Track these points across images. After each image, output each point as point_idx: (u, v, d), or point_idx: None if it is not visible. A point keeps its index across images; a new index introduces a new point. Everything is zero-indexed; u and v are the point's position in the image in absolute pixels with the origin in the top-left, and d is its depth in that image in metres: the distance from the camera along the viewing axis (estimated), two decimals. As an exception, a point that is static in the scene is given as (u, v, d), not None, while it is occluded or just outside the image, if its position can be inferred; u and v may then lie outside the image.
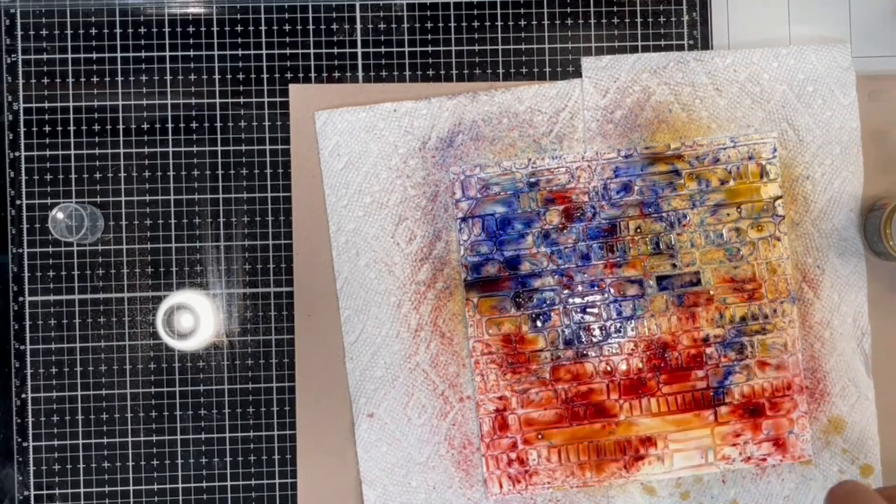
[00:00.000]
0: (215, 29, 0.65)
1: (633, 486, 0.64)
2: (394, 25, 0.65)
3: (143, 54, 0.65)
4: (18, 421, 0.64)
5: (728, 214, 0.64)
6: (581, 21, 0.66)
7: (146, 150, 0.65)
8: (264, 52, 0.65)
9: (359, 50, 0.65)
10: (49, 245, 0.64)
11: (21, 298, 0.64)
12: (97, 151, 0.64)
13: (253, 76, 0.65)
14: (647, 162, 0.64)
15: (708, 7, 0.66)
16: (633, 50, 0.66)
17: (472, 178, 0.64)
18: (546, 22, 0.66)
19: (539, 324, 0.64)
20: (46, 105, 0.64)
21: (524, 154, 0.64)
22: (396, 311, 0.64)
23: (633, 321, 0.64)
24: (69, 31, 0.64)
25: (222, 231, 0.65)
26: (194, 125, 0.65)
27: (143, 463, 0.64)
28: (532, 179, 0.64)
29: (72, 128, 0.64)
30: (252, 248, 0.65)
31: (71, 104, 0.64)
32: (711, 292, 0.64)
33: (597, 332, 0.64)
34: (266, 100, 0.65)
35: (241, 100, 0.65)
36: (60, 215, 0.63)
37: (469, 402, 0.64)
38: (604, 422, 0.64)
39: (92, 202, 0.64)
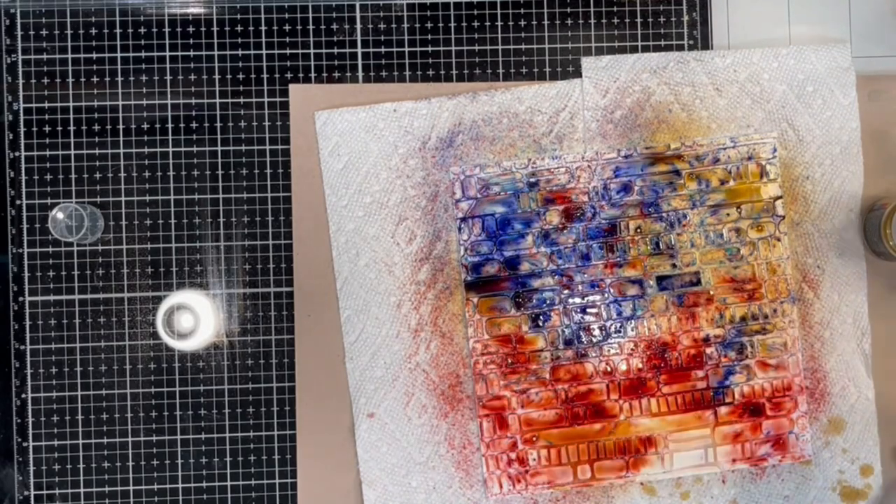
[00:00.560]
0: (215, 29, 0.65)
1: (633, 486, 0.64)
2: (394, 25, 0.66)
3: (143, 54, 0.65)
4: (18, 421, 0.64)
5: (728, 214, 0.64)
6: (581, 21, 0.66)
7: (146, 150, 0.65)
8: (264, 52, 0.65)
9: (359, 50, 0.65)
10: (49, 245, 0.64)
11: (21, 298, 0.64)
12: (97, 151, 0.64)
13: (253, 76, 0.65)
14: (647, 162, 0.64)
15: (708, 7, 0.66)
16: (633, 50, 0.66)
17: (472, 179, 0.64)
18: (546, 22, 0.66)
19: (539, 324, 0.64)
20: (46, 105, 0.64)
21: (524, 154, 0.64)
22: (396, 311, 0.64)
23: (633, 321, 0.64)
24: (69, 31, 0.64)
25: (222, 231, 0.65)
26: (194, 125, 0.65)
27: (143, 463, 0.64)
28: (532, 179, 0.64)
29: (72, 128, 0.64)
30: (252, 248, 0.65)
31: (71, 104, 0.64)
32: (711, 292, 0.64)
33: (597, 332, 0.64)
34: (266, 100, 0.65)
35: (241, 100, 0.65)
36: (60, 215, 0.63)
37: (469, 402, 0.64)
38: (604, 422, 0.64)
39: (92, 202, 0.64)
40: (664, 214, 0.64)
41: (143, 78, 0.65)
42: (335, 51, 0.65)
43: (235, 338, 0.65)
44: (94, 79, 0.65)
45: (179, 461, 0.64)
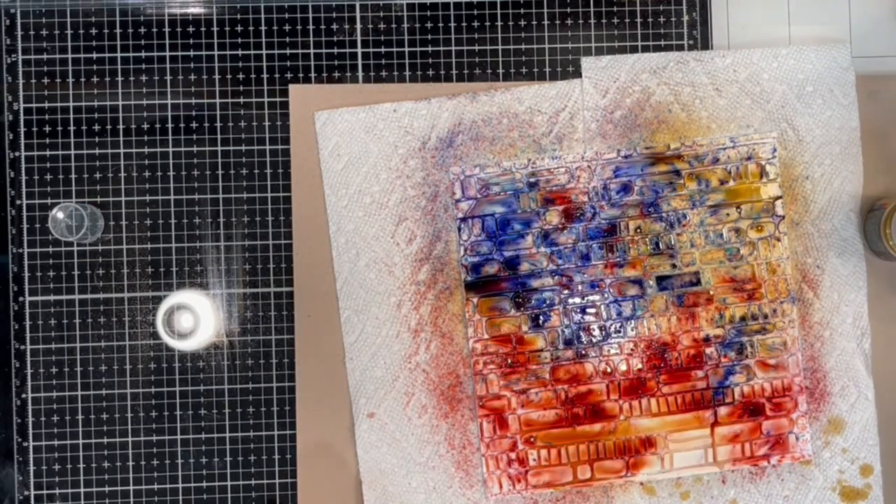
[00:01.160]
0: (215, 29, 0.65)
1: (633, 486, 0.64)
2: (394, 25, 0.66)
3: (143, 54, 0.65)
4: (18, 421, 0.64)
5: (728, 214, 0.64)
6: (581, 21, 0.66)
7: (146, 150, 0.65)
8: (264, 52, 0.65)
9: (359, 50, 0.65)
10: (49, 245, 0.64)
11: (21, 298, 0.64)
12: (97, 151, 0.64)
13: (253, 76, 0.65)
14: (646, 162, 0.64)
15: (708, 7, 0.66)
16: (633, 50, 0.66)
17: (471, 179, 0.64)
18: (546, 22, 0.66)
19: (539, 324, 0.64)
20: (46, 105, 0.64)
21: (524, 154, 0.64)
22: (396, 311, 0.64)
23: (632, 321, 0.64)
24: (69, 31, 0.64)
25: (222, 231, 0.65)
26: (194, 125, 0.65)
27: (143, 463, 0.64)
28: (532, 180, 0.64)
29: (72, 128, 0.64)
30: (252, 248, 0.65)
31: (71, 104, 0.64)
32: (711, 292, 0.64)
33: (596, 333, 0.64)
34: (266, 100, 0.65)
35: (241, 100, 0.65)
36: (60, 215, 0.63)
37: (469, 403, 0.64)
38: (604, 422, 0.64)
39: (92, 202, 0.64)
40: (664, 214, 0.64)
41: (143, 78, 0.65)
42: (335, 51, 0.65)
43: (235, 338, 0.65)
44: (94, 79, 0.65)
45: (179, 461, 0.65)
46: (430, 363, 0.64)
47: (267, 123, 0.65)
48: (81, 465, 0.64)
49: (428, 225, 0.64)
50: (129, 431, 0.64)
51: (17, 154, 0.64)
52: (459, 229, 0.64)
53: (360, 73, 0.65)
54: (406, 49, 0.66)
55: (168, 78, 0.65)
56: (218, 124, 0.65)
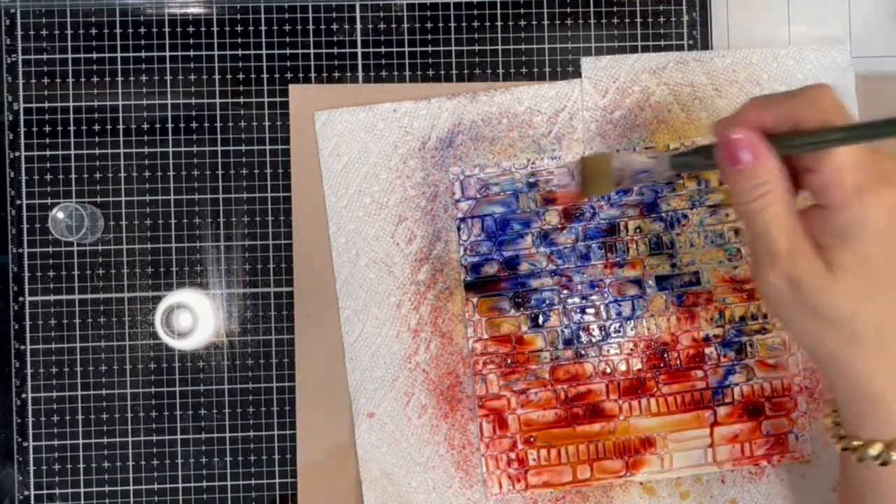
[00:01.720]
0: (215, 29, 0.65)
1: (632, 486, 0.64)
2: (394, 25, 0.66)
3: (143, 54, 0.65)
4: (18, 421, 0.64)
5: (727, 214, 0.64)
6: (581, 21, 0.66)
7: (146, 150, 0.65)
8: (264, 52, 0.65)
9: (359, 50, 0.65)
10: (49, 245, 0.64)
11: (21, 298, 0.64)
12: (97, 151, 0.64)
13: (253, 76, 0.65)
14: (646, 162, 0.64)
15: (708, 7, 0.66)
16: (633, 50, 0.66)
17: (471, 179, 0.64)
18: (546, 22, 0.66)
19: (538, 324, 0.64)
20: (46, 105, 0.64)
21: (523, 154, 0.64)
22: (396, 311, 0.64)
23: (632, 321, 0.64)
24: (69, 31, 0.64)
25: (222, 231, 0.65)
26: (194, 125, 0.65)
27: (143, 463, 0.64)
28: (531, 180, 0.64)
29: (72, 128, 0.64)
30: (252, 248, 0.65)
31: (71, 104, 0.64)
32: (711, 292, 0.64)
33: (596, 333, 0.64)
34: (266, 100, 0.65)
35: (241, 100, 0.65)
36: (60, 215, 0.63)
37: (469, 403, 0.64)
38: (603, 422, 0.64)
39: (92, 202, 0.64)
40: (663, 214, 0.64)
41: (143, 78, 0.65)
42: (335, 51, 0.65)
43: (235, 338, 0.65)
44: (94, 79, 0.65)
45: (179, 461, 0.65)
46: (429, 363, 0.64)
47: (267, 123, 0.65)
48: (81, 465, 0.64)
49: (428, 225, 0.64)
50: (129, 431, 0.64)
51: (17, 154, 0.64)
52: (459, 229, 0.64)
53: (360, 73, 0.65)
54: (406, 49, 0.66)
55: (168, 78, 0.65)
56: (218, 124, 0.65)
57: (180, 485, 0.64)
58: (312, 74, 0.65)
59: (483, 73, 0.66)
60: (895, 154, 0.49)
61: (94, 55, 0.65)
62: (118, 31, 0.65)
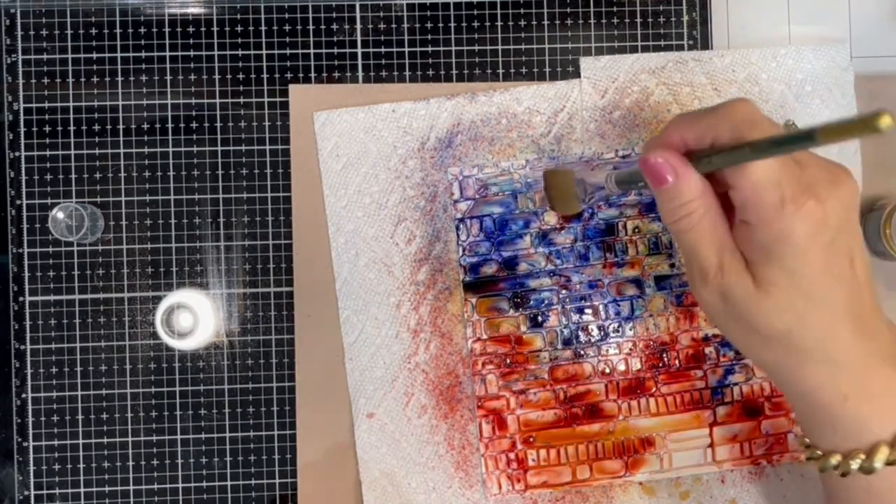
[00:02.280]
0: (215, 29, 0.65)
1: (632, 486, 0.64)
2: (394, 25, 0.66)
3: (143, 54, 0.65)
4: (18, 421, 0.64)
5: (727, 214, 0.64)
6: (581, 21, 0.66)
7: (146, 150, 0.65)
8: (264, 52, 0.65)
9: (359, 50, 0.65)
10: (49, 245, 0.64)
11: (21, 298, 0.64)
12: (97, 151, 0.64)
13: (253, 76, 0.65)
14: (645, 162, 0.64)
15: (708, 7, 0.66)
16: (633, 50, 0.66)
17: (470, 179, 0.64)
18: (546, 22, 0.66)
19: (537, 324, 0.64)
20: (46, 105, 0.64)
21: (522, 154, 0.64)
22: (396, 311, 0.64)
23: (631, 321, 0.64)
24: (69, 31, 0.65)
25: (222, 231, 0.65)
26: (194, 125, 0.65)
27: (143, 463, 0.64)
28: (530, 180, 0.64)
29: (72, 128, 0.64)
30: (252, 248, 0.65)
31: (71, 104, 0.64)
32: (710, 292, 0.64)
33: (595, 333, 0.64)
34: (266, 100, 0.65)
35: (241, 100, 0.65)
36: (60, 215, 0.63)
37: (468, 403, 0.64)
38: (602, 422, 0.64)
39: (92, 202, 0.64)
40: (663, 214, 0.64)
41: (143, 78, 0.65)
42: (335, 51, 0.65)
43: (235, 338, 0.65)
44: (94, 79, 0.65)
45: (179, 461, 0.65)
46: (429, 363, 0.64)
47: (267, 123, 0.65)
48: (81, 465, 0.64)
49: (427, 225, 0.64)
50: (129, 431, 0.65)
51: (17, 154, 0.64)
52: (458, 230, 0.64)
53: (360, 73, 0.65)
54: (406, 49, 0.66)
55: (168, 78, 0.65)
56: (218, 124, 0.65)
57: (180, 485, 0.64)
58: (312, 74, 0.65)
59: (483, 73, 0.66)
60: (823, 163, 0.48)
61: (94, 55, 0.65)
62: (118, 31, 0.65)
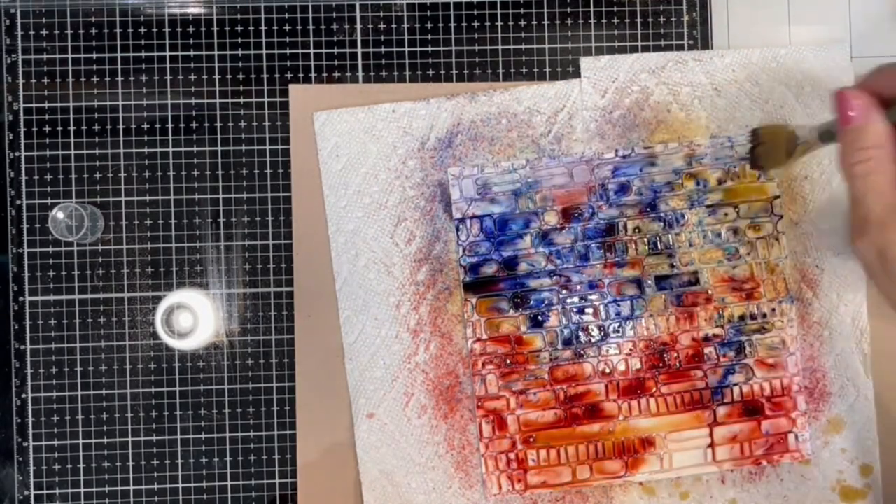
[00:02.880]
0: (215, 29, 0.65)
1: (632, 486, 0.64)
2: (394, 25, 0.66)
3: (143, 54, 0.65)
4: (18, 421, 0.64)
5: (726, 214, 0.64)
6: (581, 21, 0.66)
7: (146, 150, 0.65)
8: (264, 52, 0.65)
9: (359, 50, 0.65)
10: (49, 245, 0.64)
11: (21, 298, 0.64)
12: (97, 151, 0.64)
13: (253, 76, 0.65)
14: (645, 162, 0.64)
15: (708, 7, 0.66)
16: (633, 50, 0.66)
17: (470, 179, 0.64)
18: (546, 22, 0.66)
19: (538, 324, 0.64)
20: (46, 105, 0.64)
21: (523, 154, 0.64)
22: (396, 311, 0.64)
23: (631, 321, 0.64)
24: (69, 31, 0.65)
25: (222, 231, 0.65)
26: (194, 125, 0.65)
27: (143, 463, 0.64)
28: (530, 180, 0.64)
29: (72, 128, 0.64)
30: (252, 248, 0.65)
31: (71, 104, 0.64)
32: (710, 292, 0.64)
33: (595, 333, 0.64)
34: (266, 100, 0.65)
35: (241, 100, 0.65)
36: (60, 215, 0.63)
37: (468, 403, 0.64)
38: (603, 422, 0.64)
39: (92, 202, 0.64)
40: (662, 214, 0.64)
41: (143, 78, 0.65)
42: (335, 51, 0.65)
43: (235, 338, 0.65)
44: (94, 79, 0.65)
45: (179, 461, 0.65)
46: (429, 363, 0.64)
47: (267, 123, 0.65)
48: (81, 465, 0.64)
49: (427, 225, 0.64)
50: (129, 431, 0.64)
51: (17, 154, 0.64)
52: (458, 230, 0.64)
53: (360, 73, 0.65)
54: (406, 49, 0.66)
55: (168, 78, 0.65)
56: (218, 124, 0.65)
57: (180, 485, 0.64)
58: (312, 74, 0.65)
59: (483, 73, 0.66)
60: None
61: (94, 55, 0.65)
62: (118, 31, 0.65)
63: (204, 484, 0.64)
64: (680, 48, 0.66)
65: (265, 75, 0.65)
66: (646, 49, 0.66)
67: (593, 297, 0.64)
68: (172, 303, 0.65)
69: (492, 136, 0.64)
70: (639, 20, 0.66)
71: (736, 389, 0.64)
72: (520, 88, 0.65)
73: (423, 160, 0.64)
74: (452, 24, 0.66)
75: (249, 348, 0.65)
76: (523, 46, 0.66)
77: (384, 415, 0.64)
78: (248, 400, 0.65)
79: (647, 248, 0.64)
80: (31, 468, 0.64)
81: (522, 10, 0.66)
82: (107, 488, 0.64)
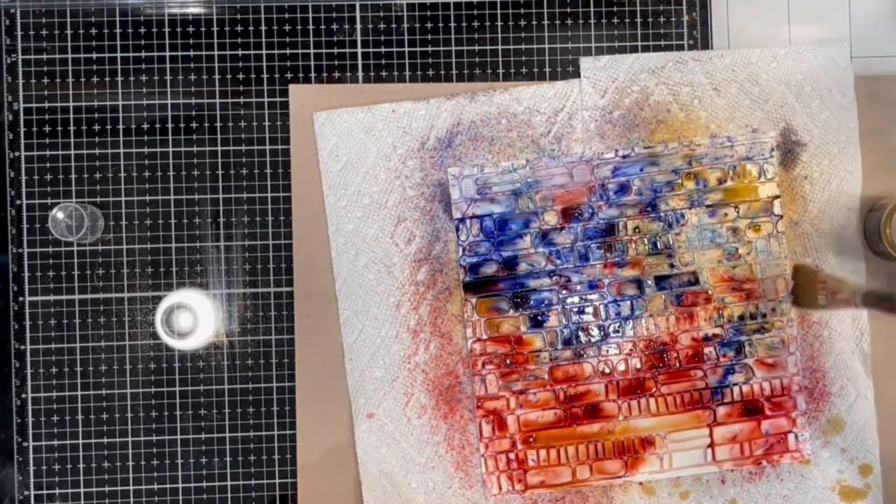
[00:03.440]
0: (215, 29, 0.65)
1: (632, 486, 0.64)
2: (394, 25, 0.66)
3: (143, 54, 0.65)
4: (18, 421, 0.64)
5: (726, 214, 0.64)
6: (581, 21, 0.66)
7: (146, 150, 0.65)
8: (264, 52, 0.65)
9: (359, 50, 0.65)
10: (49, 245, 0.64)
11: (21, 298, 0.64)
12: (97, 151, 0.64)
13: (253, 76, 0.65)
14: (645, 162, 0.64)
15: (708, 7, 0.66)
16: (633, 50, 0.66)
17: (470, 179, 0.64)
18: (546, 22, 0.66)
19: (537, 324, 0.64)
20: (46, 105, 0.64)
21: (522, 154, 0.64)
22: (396, 311, 0.64)
23: (631, 321, 0.64)
24: (69, 31, 0.65)
25: (222, 231, 0.65)
26: (194, 125, 0.65)
27: (143, 463, 0.64)
28: (530, 180, 0.64)
29: (72, 128, 0.64)
30: (252, 248, 0.65)
31: (71, 104, 0.64)
32: (710, 292, 0.64)
33: (595, 333, 0.64)
34: (266, 100, 0.65)
35: (241, 100, 0.65)
36: (60, 215, 0.63)
37: (468, 403, 0.64)
38: (602, 422, 0.64)
39: (92, 202, 0.64)
40: (662, 214, 0.64)
41: (143, 78, 0.65)
42: (335, 51, 0.65)
43: (235, 338, 0.65)
44: (94, 79, 0.65)
45: (179, 461, 0.65)
46: (429, 363, 0.64)
47: (267, 123, 0.65)
48: (81, 465, 0.64)
49: (427, 225, 0.64)
50: (129, 431, 0.64)
51: (17, 154, 0.64)
52: (458, 230, 0.64)
53: (360, 73, 0.65)
54: (406, 49, 0.66)
55: (168, 78, 0.65)
56: (218, 124, 0.65)
57: (180, 485, 0.64)
58: (312, 74, 0.65)
59: (483, 73, 0.66)
60: None
61: (94, 55, 0.65)
62: (118, 31, 0.65)
63: (204, 484, 0.64)
64: (680, 48, 0.66)
65: (265, 75, 0.65)
66: (646, 49, 0.66)
67: (593, 297, 0.64)
68: (172, 303, 0.65)
69: (492, 136, 0.64)
70: (639, 20, 0.66)
71: (736, 389, 0.64)
72: (520, 88, 0.65)
73: (423, 160, 0.64)
74: (452, 24, 0.66)
75: (249, 348, 0.65)
76: (523, 46, 0.66)
77: (384, 415, 0.64)
78: (248, 400, 0.65)
79: (646, 248, 0.64)
80: (31, 468, 0.64)
81: (522, 10, 0.66)
82: (107, 488, 0.64)
